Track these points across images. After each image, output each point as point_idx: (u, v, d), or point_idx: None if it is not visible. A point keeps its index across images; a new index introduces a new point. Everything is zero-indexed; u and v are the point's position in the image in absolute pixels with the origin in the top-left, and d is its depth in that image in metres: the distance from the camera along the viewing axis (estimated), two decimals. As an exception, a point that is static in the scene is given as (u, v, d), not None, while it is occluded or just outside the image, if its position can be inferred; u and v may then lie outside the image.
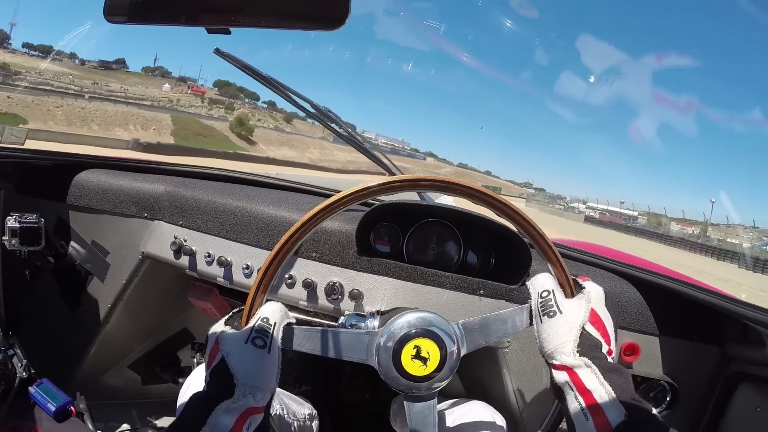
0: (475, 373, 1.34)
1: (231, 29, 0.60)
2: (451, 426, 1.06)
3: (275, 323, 0.75)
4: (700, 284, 1.31)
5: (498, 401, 1.20)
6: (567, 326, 0.73)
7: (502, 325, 0.82)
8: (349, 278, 1.15)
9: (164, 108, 49.80)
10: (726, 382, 1.19)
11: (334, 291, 1.13)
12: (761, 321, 1.02)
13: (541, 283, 0.79)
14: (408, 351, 0.78)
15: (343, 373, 1.80)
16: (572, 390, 0.70)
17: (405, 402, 0.82)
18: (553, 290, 0.77)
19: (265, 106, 64.06)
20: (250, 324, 0.74)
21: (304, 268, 1.16)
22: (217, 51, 1.30)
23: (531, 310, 0.80)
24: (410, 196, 1.35)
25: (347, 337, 0.81)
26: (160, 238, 1.27)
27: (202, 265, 1.22)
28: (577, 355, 0.71)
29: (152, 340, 1.65)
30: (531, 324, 0.80)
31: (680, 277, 1.33)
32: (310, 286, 1.14)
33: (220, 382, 0.68)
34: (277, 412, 1.03)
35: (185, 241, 1.23)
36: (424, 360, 0.78)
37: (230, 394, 0.67)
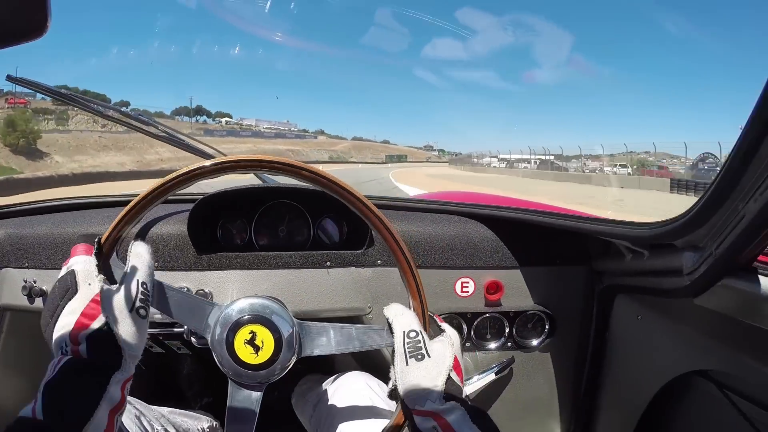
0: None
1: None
2: (328, 400, 1.05)
3: (152, 287, 0.70)
4: (553, 209, 1.32)
5: (383, 369, 1.18)
6: (435, 370, 0.71)
7: (349, 341, 0.79)
8: (195, 280, 1.12)
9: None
10: (601, 298, 1.21)
11: None
12: (613, 233, 1.03)
13: (408, 322, 0.75)
14: (243, 335, 0.75)
15: None
16: None
17: (230, 385, 0.78)
18: (420, 331, 0.74)
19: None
20: (127, 282, 0.67)
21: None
22: (9, 77, 1.24)
23: (389, 333, 0.76)
24: (250, 183, 1.31)
25: (193, 302, 0.78)
26: (11, 286, 1.20)
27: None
28: (443, 400, 0.68)
29: None
30: (388, 345, 0.76)
31: (534, 206, 1.34)
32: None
33: (105, 349, 0.63)
34: None
35: (35, 282, 1.16)
36: (257, 348, 0.75)
37: (117, 363, 0.63)
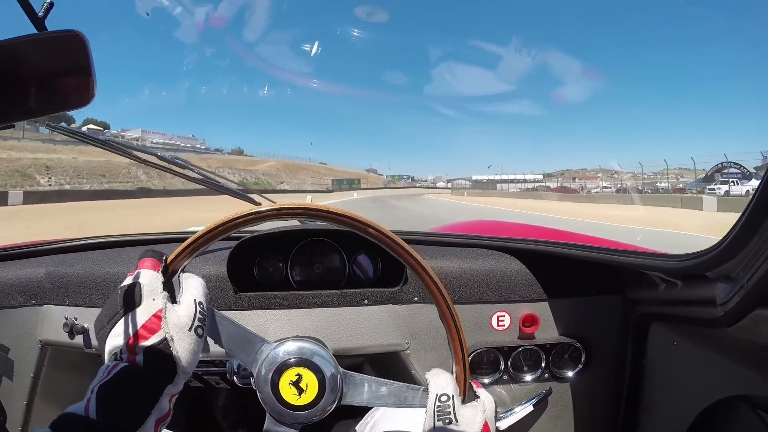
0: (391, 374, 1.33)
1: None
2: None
3: (208, 308, 0.73)
4: (585, 240, 1.34)
5: None
6: None
7: (389, 397, 0.80)
8: (235, 320, 1.12)
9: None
10: (636, 326, 1.21)
11: None
12: (645, 266, 1.05)
13: (442, 385, 0.78)
14: (289, 375, 0.77)
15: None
16: None
17: (267, 419, 0.80)
18: (453, 396, 0.76)
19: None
20: (185, 302, 0.70)
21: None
22: (49, 126, 1.26)
23: (425, 394, 0.79)
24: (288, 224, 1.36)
25: (246, 335, 0.80)
26: (53, 323, 1.25)
27: (95, 340, 1.16)
28: None
29: None
30: (422, 407, 0.79)
31: (565, 237, 1.37)
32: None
33: (162, 363, 0.65)
34: None
35: (76, 319, 1.20)
36: (301, 391, 0.77)
37: (171, 378, 0.65)
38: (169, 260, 0.74)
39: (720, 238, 0.76)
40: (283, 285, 1.26)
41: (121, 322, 0.66)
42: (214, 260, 1.19)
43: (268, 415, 0.79)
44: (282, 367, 0.77)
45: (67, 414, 0.58)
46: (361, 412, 1.19)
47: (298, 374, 0.77)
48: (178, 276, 0.75)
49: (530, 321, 1.22)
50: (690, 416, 1.01)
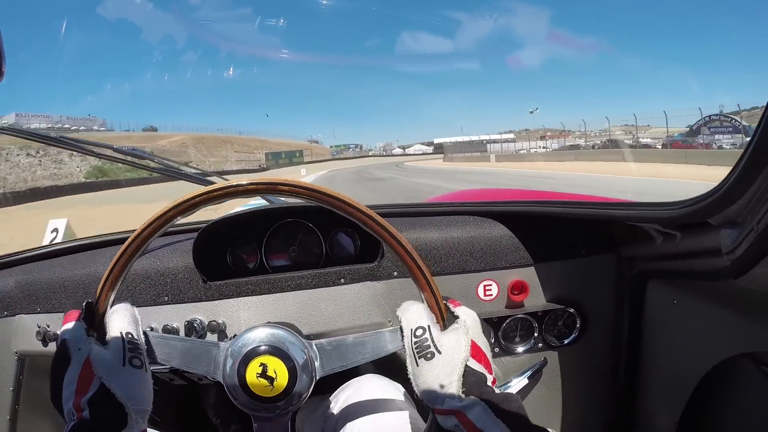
0: None
1: None
2: (342, 408, 1.01)
3: (139, 336, 0.70)
4: (573, 197, 1.27)
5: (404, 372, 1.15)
6: (449, 366, 0.67)
7: (363, 349, 0.75)
8: (206, 311, 1.10)
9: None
10: (632, 286, 1.15)
11: (194, 329, 1.08)
12: (641, 217, 0.98)
13: (414, 317, 0.71)
14: (253, 369, 0.73)
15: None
16: None
17: (254, 423, 0.76)
18: (428, 326, 0.70)
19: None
20: (112, 337, 0.67)
21: (163, 316, 1.12)
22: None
23: (400, 334, 0.73)
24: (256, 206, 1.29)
25: (196, 347, 0.76)
26: (26, 332, 1.21)
27: None
28: (463, 395, 0.65)
29: None
30: (399, 348, 0.74)
31: (551, 197, 1.30)
32: (170, 332, 1.09)
33: (106, 412, 0.62)
34: None
35: (48, 327, 1.17)
36: (271, 380, 0.73)
37: (123, 424, 0.62)
38: (97, 297, 0.71)
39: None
40: (259, 271, 1.22)
41: (64, 386, 0.64)
42: (183, 251, 1.15)
43: (253, 418, 0.76)
44: (245, 360, 0.73)
45: None
46: (330, 387, 1.15)
47: (263, 364, 0.73)
48: (108, 313, 0.71)
49: (519, 288, 1.16)
50: (694, 379, 0.95)
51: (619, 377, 1.22)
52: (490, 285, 1.16)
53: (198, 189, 0.70)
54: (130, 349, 0.66)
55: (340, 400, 1.03)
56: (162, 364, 0.73)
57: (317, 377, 0.75)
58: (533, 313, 1.18)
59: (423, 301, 0.73)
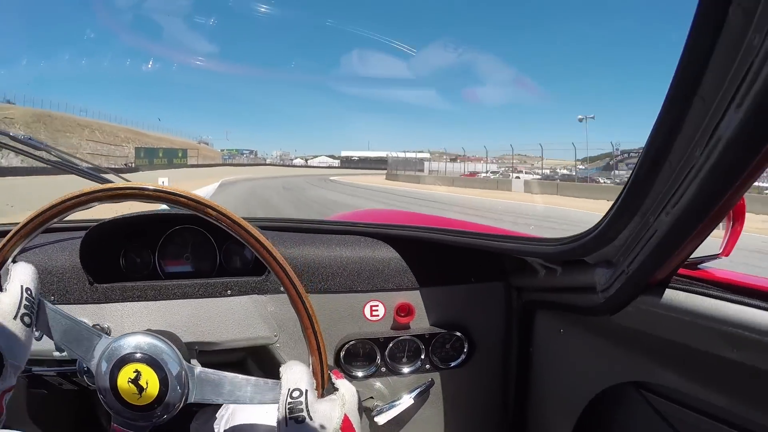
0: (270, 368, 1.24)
1: None
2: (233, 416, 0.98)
3: (36, 296, 0.68)
4: (466, 226, 1.28)
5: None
6: None
7: (240, 393, 0.74)
8: (92, 314, 1.05)
9: None
10: (521, 313, 1.18)
11: None
12: (524, 251, 1.00)
13: (295, 379, 0.70)
14: (126, 374, 0.71)
15: None
16: None
17: (113, 423, 0.73)
18: (306, 390, 0.69)
19: None
20: (11, 288, 0.66)
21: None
22: None
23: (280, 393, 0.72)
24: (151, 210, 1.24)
25: (80, 331, 0.74)
26: None
27: None
28: None
29: None
30: (275, 403, 0.72)
31: (445, 224, 1.30)
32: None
33: None
34: None
35: None
36: (141, 389, 0.71)
37: None
38: None
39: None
40: (151, 276, 1.18)
41: None
42: (72, 249, 1.09)
43: (113, 421, 0.73)
44: (120, 363, 0.71)
45: None
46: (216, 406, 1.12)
47: (137, 370, 0.71)
48: (8, 266, 0.69)
49: (405, 310, 1.15)
50: (580, 404, 0.98)
51: (508, 401, 1.23)
52: (377, 306, 1.15)
53: (95, 185, 0.70)
54: (25, 306, 0.65)
55: (228, 417, 0.99)
56: (41, 333, 0.72)
57: (189, 400, 0.73)
58: (420, 336, 1.17)
59: (308, 365, 0.73)
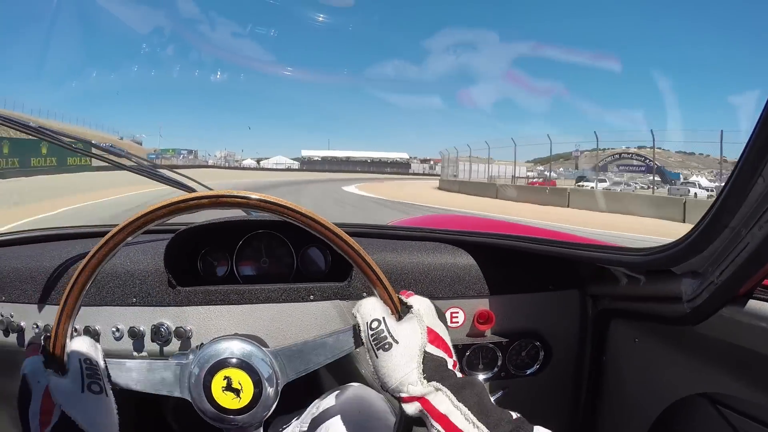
0: (340, 371, 1.28)
1: None
2: (331, 412, 0.98)
3: (97, 361, 0.69)
4: (544, 233, 1.30)
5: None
6: (407, 355, 0.68)
7: (323, 350, 0.77)
8: (173, 316, 1.08)
9: None
10: (596, 322, 1.18)
11: (160, 334, 1.06)
12: (608, 260, 1.01)
13: (369, 311, 0.72)
14: (218, 382, 0.73)
15: None
16: (428, 418, 0.65)
17: None
18: (383, 318, 0.70)
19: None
20: (71, 366, 0.67)
21: (130, 317, 1.09)
22: None
23: (357, 332, 0.74)
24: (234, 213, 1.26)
25: (158, 368, 0.75)
26: None
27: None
28: (425, 381, 0.66)
29: None
30: (358, 346, 0.75)
31: (523, 231, 1.32)
32: (135, 335, 1.07)
33: None
34: None
35: (12, 316, 1.12)
36: (237, 392, 0.73)
37: None
38: (53, 332, 0.69)
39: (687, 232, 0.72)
40: (228, 280, 1.21)
41: (29, 420, 0.64)
42: (154, 253, 1.12)
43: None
44: (214, 370, 0.74)
45: None
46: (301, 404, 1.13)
47: (227, 377, 0.73)
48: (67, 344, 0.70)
49: (485, 318, 1.16)
50: (651, 415, 0.98)
51: (579, 410, 1.23)
52: (457, 312, 1.16)
53: (183, 194, 0.70)
54: (89, 375, 0.66)
55: (316, 409, 1.01)
56: (126, 388, 0.73)
57: (281, 386, 0.76)
58: (498, 343, 1.19)
59: (376, 294, 0.74)
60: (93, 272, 0.69)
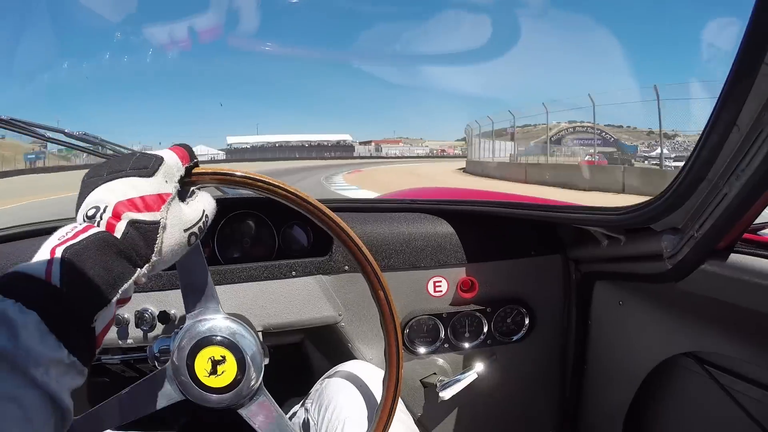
0: (331, 349, 1.29)
1: None
2: (333, 389, 0.99)
3: (205, 228, 0.65)
4: (522, 199, 1.29)
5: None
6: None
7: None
8: (156, 301, 1.07)
9: None
10: (579, 286, 1.19)
11: (143, 320, 1.05)
12: (586, 220, 1.00)
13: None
14: (206, 354, 0.74)
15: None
16: None
17: (239, 412, 0.77)
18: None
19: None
20: (194, 208, 0.63)
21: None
22: None
23: None
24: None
25: (208, 284, 0.77)
26: None
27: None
28: None
29: None
30: None
31: (502, 198, 1.31)
32: (120, 323, 1.06)
33: (140, 245, 0.57)
34: None
35: None
36: (219, 364, 0.75)
37: (143, 264, 0.56)
38: (197, 165, 0.66)
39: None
40: (210, 262, 1.17)
41: (122, 181, 0.57)
42: None
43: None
44: (201, 344, 0.74)
45: (23, 274, 0.46)
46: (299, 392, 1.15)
47: (214, 355, 0.75)
48: (196, 187, 0.67)
49: (468, 285, 1.17)
50: (639, 376, 0.99)
51: (567, 373, 1.25)
52: (440, 281, 1.17)
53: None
54: (199, 228, 0.62)
55: (319, 387, 1.02)
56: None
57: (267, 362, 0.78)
58: (482, 310, 1.19)
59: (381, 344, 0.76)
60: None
